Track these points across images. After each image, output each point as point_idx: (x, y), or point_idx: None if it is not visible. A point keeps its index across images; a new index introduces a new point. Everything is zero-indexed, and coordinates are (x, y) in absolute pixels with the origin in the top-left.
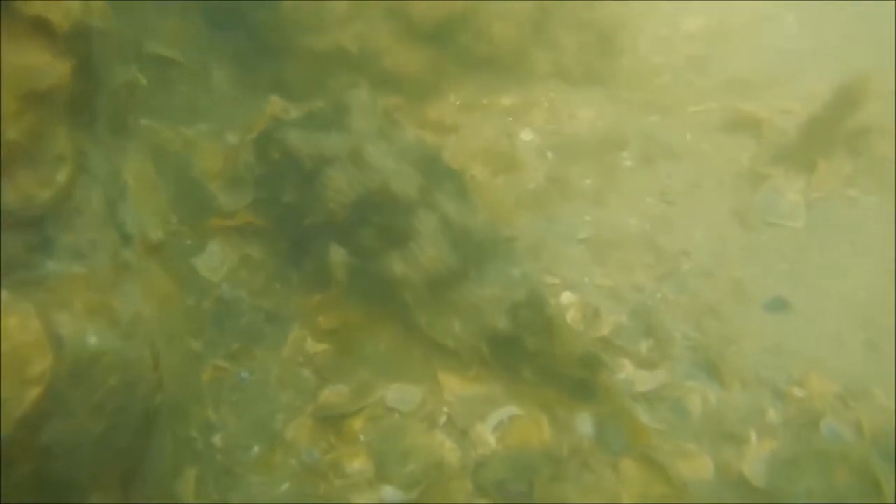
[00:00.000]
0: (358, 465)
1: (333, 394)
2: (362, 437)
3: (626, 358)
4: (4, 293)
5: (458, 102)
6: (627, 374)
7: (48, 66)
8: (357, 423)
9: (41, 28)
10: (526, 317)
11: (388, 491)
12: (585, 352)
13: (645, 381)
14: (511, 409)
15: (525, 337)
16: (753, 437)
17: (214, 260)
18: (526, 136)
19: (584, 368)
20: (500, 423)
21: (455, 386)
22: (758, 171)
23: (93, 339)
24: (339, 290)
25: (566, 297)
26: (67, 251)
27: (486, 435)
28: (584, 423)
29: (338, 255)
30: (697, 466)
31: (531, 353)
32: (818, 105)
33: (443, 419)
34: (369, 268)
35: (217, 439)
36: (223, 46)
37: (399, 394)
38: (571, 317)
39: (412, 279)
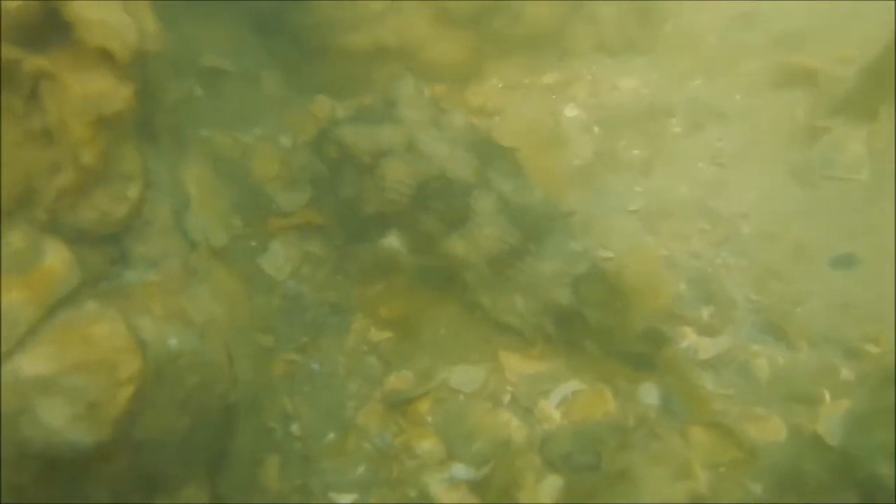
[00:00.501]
0: (428, 445)
1: (399, 379)
2: (430, 419)
3: (687, 326)
4: (92, 304)
5: (500, 85)
6: (690, 342)
7: (113, 92)
8: (423, 406)
9: (104, 58)
10: (588, 290)
11: (459, 469)
12: (647, 326)
13: (708, 347)
14: (574, 384)
15: (587, 311)
16: (827, 396)
17: (278, 258)
18: (570, 112)
19: (647, 343)
20: (563, 398)
21: (517, 365)
22: (815, 125)
23: (173, 342)
24: (402, 277)
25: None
26: (142, 261)
27: (551, 410)
28: (649, 394)
29: (399, 242)
30: (768, 429)
31: (594, 328)
32: (877, 49)
33: (507, 398)
34: (431, 252)
35: (294, 428)
36: (269, 52)
37: (462, 375)
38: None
39: (473, 259)
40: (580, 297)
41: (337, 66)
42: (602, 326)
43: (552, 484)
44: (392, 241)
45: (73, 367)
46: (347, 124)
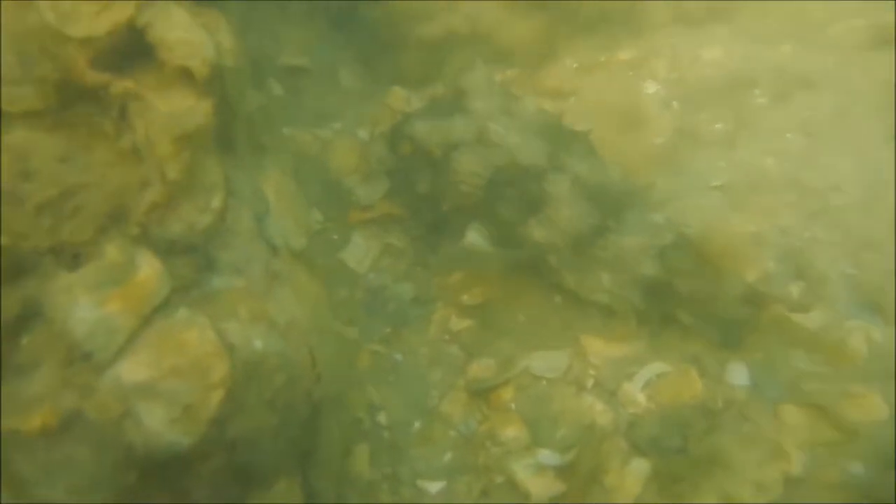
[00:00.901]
0: (512, 432)
1: (481, 367)
2: (513, 406)
3: (776, 304)
4: (183, 311)
5: (574, 65)
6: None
7: (194, 108)
8: (507, 394)
9: (184, 76)
10: (676, 260)
11: (545, 454)
12: (746, 289)
13: (804, 322)
14: (658, 366)
15: (678, 280)
16: None
17: (359, 252)
18: (649, 88)
19: (747, 306)
20: (648, 381)
21: (599, 348)
22: None
23: (258, 344)
24: (484, 266)
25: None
26: (228, 267)
27: (636, 394)
28: (738, 373)
29: (479, 233)
30: (869, 408)
31: (685, 297)
32: None
33: (590, 382)
34: (511, 240)
35: (382, 417)
36: (344, 47)
37: (544, 361)
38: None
39: (555, 242)
40: (668, 267)
41: (411, 56)
42: (695, 294)
43: (639, 468)
44: (472, 234)
45: (169, 372)
46: (418, 119)
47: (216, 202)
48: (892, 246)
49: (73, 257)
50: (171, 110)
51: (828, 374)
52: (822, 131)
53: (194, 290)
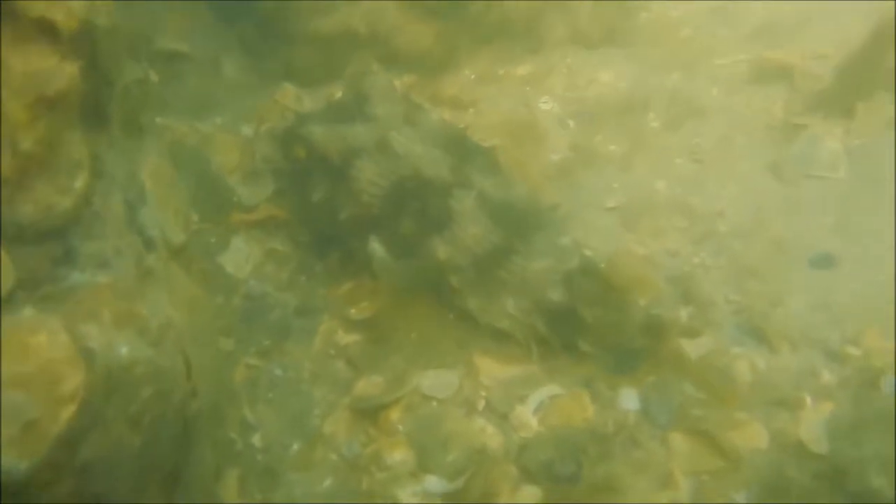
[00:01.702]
0: (399, 456)
1: (368, 385)
2: (401, 428)
3: (671, 331)
4: (29, 310)
5: (473, 76)
6: (672, 344)
7: (56, 70)
8: (395, 414)
9: (46, 30)
10: (582, 286)
11: (433, 481)
12: (647, 318)
13: (690, 349)
14: (551, 389)
15: (582, 308)
16: (808, 400)
17: (239, 256)
18: (545, 105)
19: (647, 335)
20: (540, 403)
21: (491, 369)
22: (792, 122)
23: (124, 350)
24: (382, 282)
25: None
26: (92, 260)
27: (528, 417)
28: (629, 398)
29: (377, 247)
30: (751, 435)
31: (589, 325)
32: (854, 46)
33: (481, 404)
34: (412, 257)
35: (256, 439)
36: (231, 36)
37: (435, 380)
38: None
39: (458, 261)
40: (573, 293)
41: (303, 51)
42: (598, 323)
43: (530, 495)
44: (373, 245)
45: (9, 382)
46: (315, 122)
47: (80, 183)
48: (773, 273)
49: None
50: (28, 70)
51: (714, 401)
52: (709, 158)
53: (47, 286)
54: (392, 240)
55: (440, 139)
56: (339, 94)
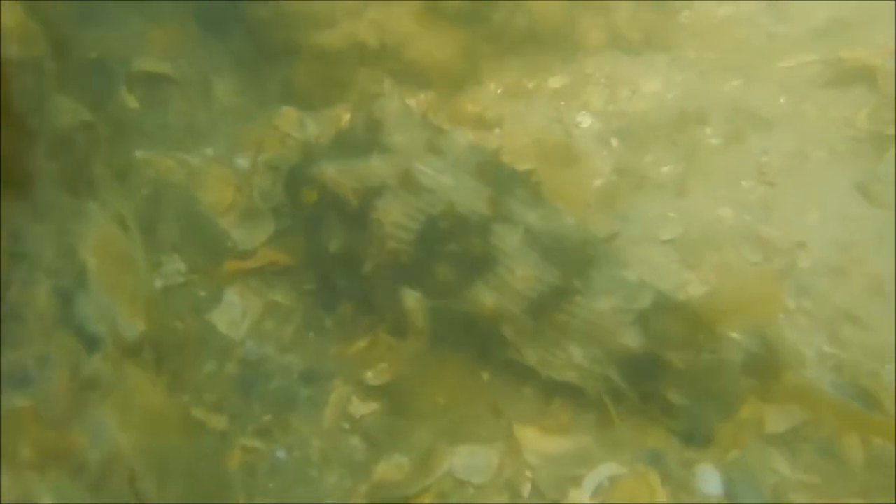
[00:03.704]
0: None
1: (390, 467)
2: None
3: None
4: None
5: (498, 91)
6: (752, 410)
7: None
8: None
9: None
10: (661, 326)
11: None
12: (749, 355)
13: (777, 418)
14: (611, 467)
15: (665, 352)
16: None
17: (234, 312)
18: (583, 121)
19: (754, 375)
20: (599, 486)
21: (536, 441)
22: (880, 132)
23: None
24: (411, 341)
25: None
26: (7, 378)
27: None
28: (708, 479)
29: (413, 299)
30: None
31: (680, 371)
32: None
33: (527, 488)
34: (453, 307)
35: None
36: (221, 54)
37: (470, 459)
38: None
39: (509, 309)
40: (652, 336)
41: (304, 69)
42: (692, 367)
43: None
44: (408, 297)
45: None
46: (325, 158)
47: None
48: (874, 318)
49: None
50: None
51: (817, 485)
52: (782, 179)
53: None
54: (427, 290)
55: (471, 166)
56: (346, 118)
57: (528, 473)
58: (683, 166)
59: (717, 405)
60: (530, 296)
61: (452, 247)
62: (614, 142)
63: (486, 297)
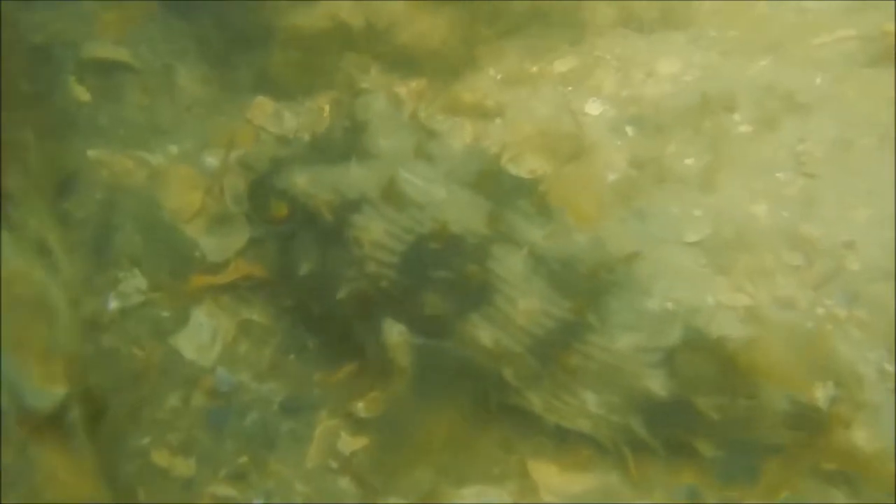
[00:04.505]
0: None
1: None
2: None
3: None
4: None
5: (499, 76)
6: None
7: None
8: None
9: None
10: (692, 368)
11: None
12: (793, 404)
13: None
14: None
15: (698, 398)
16: None
17: (203, 335)
18: (593, 108)
19: (796, 428)
20: None
21: (554, 480)
22: None
23: None
24: (405, 382)
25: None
26: None
27: None
28: None
29: (396, 334)
30: None
31: (713, 422)
32: None
33: None
34: (442, 344)
35: None
36: (186, 38)
37: (478, 501)
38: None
39: (510, 347)
40: (681, 379)
41: (280, 55)
42: (726, 416)
43: None
44: (390, 331)
45: None
46: (297, 165)
47: None
48: None
49: None
50: None
51: None
52: (822, 169)
53: None
54: (413, 324)
55: (469, 175)
56: (325, 114)
57: None
58: (709, 157)
59: (755, 460)
60: (536, 332)
61: (443, 273)
62: (629, 131)
63: (482, 334)
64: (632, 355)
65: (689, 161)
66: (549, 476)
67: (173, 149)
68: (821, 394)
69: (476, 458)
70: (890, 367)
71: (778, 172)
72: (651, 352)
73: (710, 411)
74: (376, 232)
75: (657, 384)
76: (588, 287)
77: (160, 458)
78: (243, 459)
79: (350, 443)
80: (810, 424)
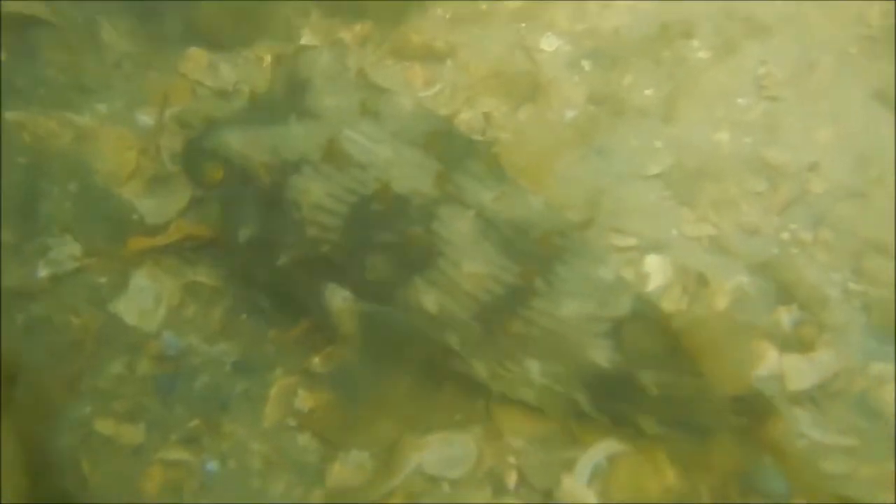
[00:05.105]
0: None
1: (348, 467)
2: None
3: (763, 340)
4: None
5: (447, 16)
6: (770, 366)
7: None
8: None
9: None
10: (638, 341)
11: None
12: (745, 387)
13: (801, 372)
14: (610, 445)
15: (642, 373)
16: None
17: (144, 299)
18: (548, 44)
19: (744, 413)
20: (596, 468)
21: (519, 423)
22: None
23: None
24: (353, 346)
25: (651, 264)
26: None
27: (581, 491)
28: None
29: (340, 300)
30: None
31: (654, 397)
32: None
33: (513, 478)
34: (387, 310)
35: None
36: None
37: (442, 450)
38: (667, 294)
39: (454, 312)
40: (627, 351)
41: (213, 1)
42: (668, 394)
43: None
44: (333, 296)
45: None
46: (231, 126)
47: None
48: None
49: None
50: None
51: (853, 448)
52: (785, 92)
53: None
54: (357, 290)
55: (417, 135)
56: (268, 60)
57: (513, 460)
58: (669, 87)
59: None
60: (482, 298)
61: (387, 235)
62: (586, 65)
63: (426, 299)
64: (578, 324)
65: (648, 92)
66: (514, 419)
67: (102, 108)
68: (785, 317)
69: (439, 406)
70: (855, 287)
71: (739, 98)
72: (598, 321)
73: (653, 387)
74: (316, 194)
75: (602, 356)
76: (538, 252)
77: (104, 426)
78: (195, 423)
79: (308, 399)
80: (758, 409)
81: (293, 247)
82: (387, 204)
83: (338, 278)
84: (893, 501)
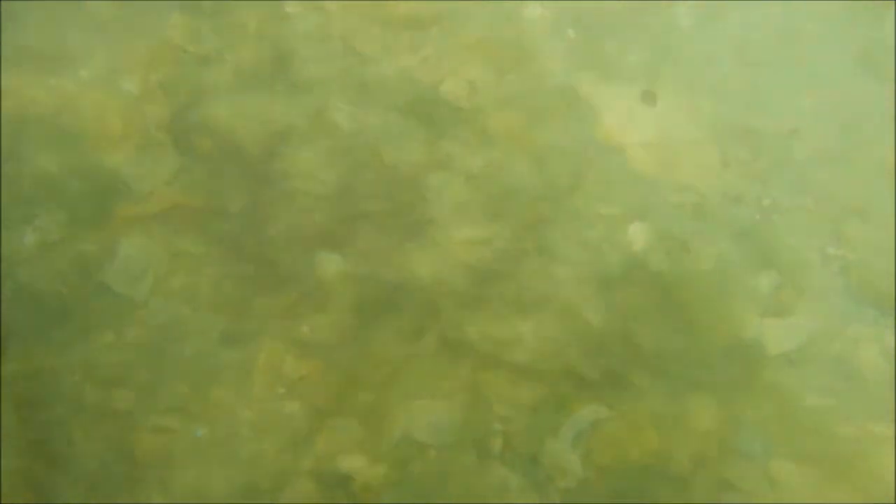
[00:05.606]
0: None
1: (336, 434)
2: (389, 498)
3: (744, 304)
4: None
5: None
6: (751, 330)
7: None
8: (377, 475)
9: None
10: (629, 298)
11: None
12: (735, 340)
13: (780, 336)
14: (594, 410)
15: (634, 328)
16: None
17: (133, 267)
18: (532, 11)
19: (736, 365)
20: (580, 433)
21: (505, 389)
22: None
23: None
24: (342, 313)
25: (636, 230)
26: None
27: (566, 455)
28: (705, 415)
29: (330, 264)
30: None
31: (647, 353)
32: None
33: (498, 444)
34: (378, 277)
35: None
36: None
37: (428, 417)
38: (651, 259)
39: (447, 277)
40: (618, 309)
41: None
42: (661, 349)
43: None
44: (324, 262)
45: None
46: (219, 97)
47: None
48: (887, 210)
49: None
50: None
51: (832, 408)
52: (767, 57)
53: None
54: (348, 256)
55: (403, 101)
56: (250, 31)
57: (498, 426)
58: (653, 53)
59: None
60: (473, 263)
61: (377, 205)
62: (571, 32)
63: (418, 265)
64: (570, 285)
65: (632, 58)
66: (500, 385)
67: (83, 73)
68: (765, 282)
69: (426, 373)
70: (834, 251)
71: (722, 64)
72: (589, 281)
73: (644, 343)
74: (306, 162)
75: (594, 313)
76: (525, 215)
77: (93, 394)
78: (184, 390)
79: (297, 367)
80: (750, 361)
81: (282, 217)
82: (377, 171)
83: (328, 246)
84: None
